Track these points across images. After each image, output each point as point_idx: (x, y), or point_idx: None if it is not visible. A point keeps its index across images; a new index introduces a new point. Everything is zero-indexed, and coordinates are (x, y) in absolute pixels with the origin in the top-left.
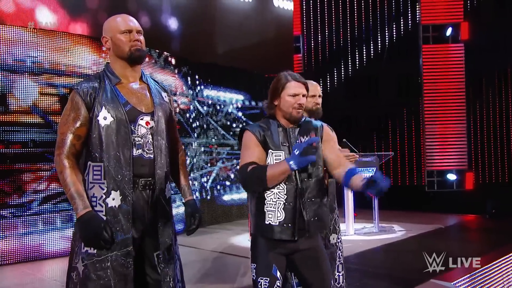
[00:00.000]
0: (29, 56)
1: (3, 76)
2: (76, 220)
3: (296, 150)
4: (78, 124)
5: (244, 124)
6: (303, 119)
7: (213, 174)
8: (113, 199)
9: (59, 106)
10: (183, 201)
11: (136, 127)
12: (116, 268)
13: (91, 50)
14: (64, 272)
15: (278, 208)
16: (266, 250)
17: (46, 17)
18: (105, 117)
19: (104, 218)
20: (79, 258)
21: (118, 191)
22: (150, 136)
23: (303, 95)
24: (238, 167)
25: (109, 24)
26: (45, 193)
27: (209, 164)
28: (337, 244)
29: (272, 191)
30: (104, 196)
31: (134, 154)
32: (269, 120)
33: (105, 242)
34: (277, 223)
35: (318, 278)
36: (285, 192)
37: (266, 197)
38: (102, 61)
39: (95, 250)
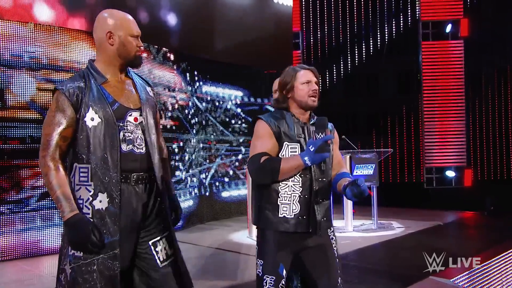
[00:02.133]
0: (27, 51)
1: (1, 72)
2: (64, 223)
3: (311, 146)
4: (64, 125)
5: (243, 121)
6: (314, 119)
7: (212, 171)
8: (100, 201)
9: None
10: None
11: (125, 123)
12: (102, 272)
13: (89, 45)
14: None
15: (293, 200)
16: (275, 247)
17: (44, 12)
18: (92, 118)
19: (91, 220)
20: (67, 260)
21: (106, 193)
22: (139, 131)
23: (316, 82)
24: (237, 163)
25: (120, 22)
26: (43, 189)
27: (208, 161)
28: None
29: (287, 184)
30: (91, 199)
31: (124, 150)
32: (283, 112)
33: (93, 246)
34: (293, 216)
35: (325, 277)
36: (300, 185)
37: (280, 190)
38: None
39: (82, 253)
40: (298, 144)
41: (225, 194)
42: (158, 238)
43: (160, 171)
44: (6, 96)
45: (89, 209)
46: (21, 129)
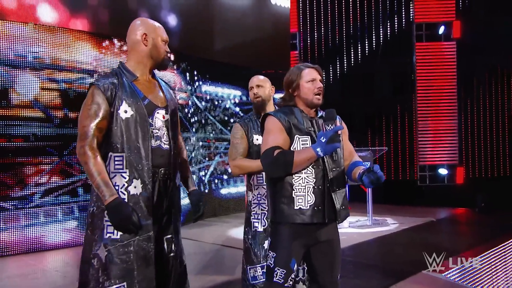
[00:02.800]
0: (30, 52)
1: (5, 71)
2: (105, 207)
3: (322, 137)
4: (100, 117)
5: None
6: (321, 113)
7: (211, 168)
8: (135, 187)
9: (60, 101)
10: (188, 191)
11: (154, 120)
12: (138, 252)
13: (91, 45)
14: (66, 264)
15: (308, 192)
16: (289, 241)
17: (47, 13)
18: (125, 111)
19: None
20: (100, 245)
21: (139, 179)
22: (165, 129)
23: (320, 80)
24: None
25: (154, 27)
26: (46, 186)
27: (207, 158)
28: None
29: (300, 176)
30: (126, 185)
31: (153, 145)
32: (291, 107)
33: (134, 226)
34: (308, 207)
35: (328, 273)
36: (313, 176)
37: (294, 183)
38: (102, 57)
39: (119, 236)
40: (309, 137)
41: (223, 191)
42: (169, 236)
43: (177, 166)
44: (10, 95)
45: (124, 194)
46: (25, 128)
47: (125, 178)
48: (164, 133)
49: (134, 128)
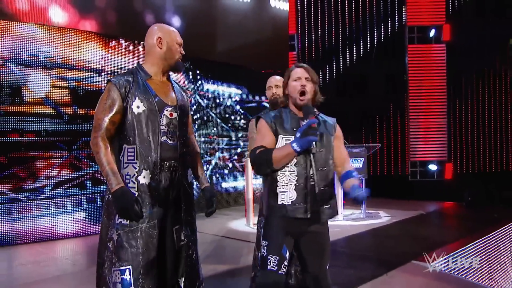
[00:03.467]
0: (42, 51)
1: (19, 70)
2: (111, 194)
3: (297, 133)
4: (113, 112)
5: (242, 117)
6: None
7: (213, 163)
8: (144, 177)
9: (70, 98)
10: (201, 188)
11: (162, 117)
12: (145, 238)
13: (99, 46)
14: (75, 252)
15: (290, 188)
16: (278, 230)
17: (58, 15)
18: (138, 106)
19: (136, 193)
20: (114, 229)
21: (148, 170)
22: (172, 126)
23: (306, 78)
24: (236, 156)
25: (168, 31)
26: (57, 178)
27: (208, 154)
28: None
29: (284, 173)
30: (136, 175)
31: (160, 140)
32: (282, 108)
33: (135, 214)
34: (290, 203)
35: (317, 264)
36: (295, 174)
37: (278, 179)
38: (109, 56)
39: (128, 222)
40: (293, 137)
41: (224, 185)
42: (177, 226)
43: (186, 161)
44: (23, 92)
45: (134, 183)
46: (37, 123)
47: (135, 168)
48: (170, 130)
49: (145, 123)
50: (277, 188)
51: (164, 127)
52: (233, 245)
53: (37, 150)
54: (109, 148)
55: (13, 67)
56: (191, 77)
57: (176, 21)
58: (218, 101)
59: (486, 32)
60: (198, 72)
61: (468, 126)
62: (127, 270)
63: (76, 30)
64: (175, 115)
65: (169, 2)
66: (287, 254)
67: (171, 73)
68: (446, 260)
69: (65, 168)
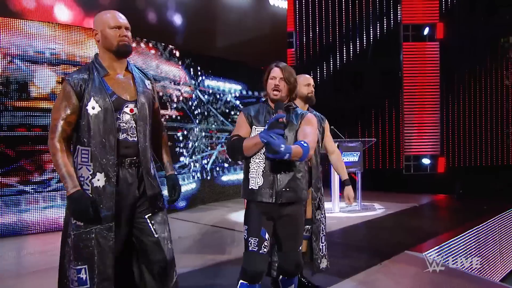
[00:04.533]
0: (48, 48)
1: (25, 66)
2: (67, 197)
3: (266, 125)
4: (69, 112)
5: None
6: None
7: (213, 157)
8: (98, 180)
9: None
10: (166, 175)
11: (121, 114)
12: (99, 240)
13: None
14: None
15: (258, 174)
16: (256, 214)
17: (63, 12)
18: (93, 107)
19: (90, 196)
20: (72, 227)
21: (103, 173)
22: (133, 122)
23: (281, 78)
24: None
25: (100, 18)
26: None
27: (209, 148)
28: (321, 219)
29: (255, 161)
30: (90, 177)
31: (119, 138)
32: (262, 103)
33: (90, 217)
34: (257, 187)
35: (291, 245)
36: (263, 162)
37: (250, 166)
38: None
39: (82, 223)
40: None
41: (224, 178)
42: (150, 214)
43: (148, 156)
44: (30, 88)
45: (88, 186)
46: (43, 118)
47: (89, 171)
48: (131, 126)
49: (100, 124)
50: (249, 174)
51: (124, 124)
52: (232, 236)
53: (43, 144)
54: (66, 150)
55: (20, 64)
56: (192, 73)
57: (178, 18)
58: (218, 96)
59: (478, 31)
60: (199, 68)
61: (460, 122)
62: (83, 269)
63: (80, 28)
64: (135, 110)
65: (171, 0)
66: (266, 235)
67: (168, 69)
68: (438, 250)
69: None
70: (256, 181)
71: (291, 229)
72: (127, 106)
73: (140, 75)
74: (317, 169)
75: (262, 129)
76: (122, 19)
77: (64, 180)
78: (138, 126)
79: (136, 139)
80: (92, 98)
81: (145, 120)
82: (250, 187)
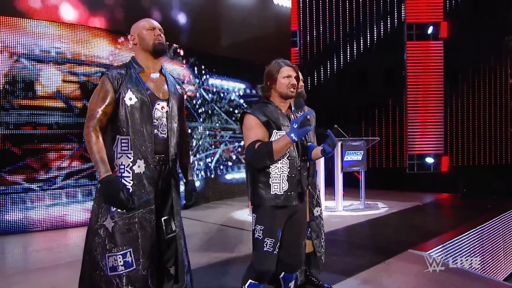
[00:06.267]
0: (53, 47)
1: (31, 65)
2: (99, 181)
3: (294, 124)
4: (106, 103)
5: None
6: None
7: (217, 155)
8: (139, 167)
9: (80, 92)
10: (185, 180)
11: (154, 110)
12: (142, 223)
13: (108, 42)
14: None
15: (282, 179)
16: (274, 215)
17: (68, 12)
18: (130, 98)
19: (132, 182)
20: (107, 216)
21: (143, 159)
22: (164, 119)
23: (295, 77)
24: (239, 149)
25: (136, 25)
26: (68, 169)
27: (213, 146)
28: (320, 216)
29: (276, 166)
30: (131, 164)
31: (153, 132)
32: (266, 103)
33: (120, 202)
34: (282, 192)
35: (296, 239)
36: (288, 166)
37: (270, 171)
38: (118, 52)
39: (125, 210)
40: (284, 132)
41: (228, 176)
42: (166, 217)
43: (175, 154)
44: (36, 87)
45: (129, 172)
46: (49, 117)
47: (130, 158)
48: (162, 123)
49: (138, 114)
50: (270, 180)
51: (155, 120)
52: (236, 233)
53: (49, 142)
54: (100, 137)
55: (26, 63)
56: (196, 71)
57: (182, 17)
58: (222, 95)
59: (482, 29)
60: (203, 67)
61: (464, 121)
62: (128, 253)
63: (85, 27)
64: (166, 108)
65: None
66: (280, 236)
67: (172, 68)
68: (442, 248)
69: (75, 159)
70: (280, 186)
71: (298, 225)
72: (158, 104)
73: (172, 79)
74: (314, 166)
75: (282, 133)
76: (156, 23)
77: (97, 165)
78: (169, 123)
79: (166, 135)
80: (129, 90)
81: (175, 119)
82: (273, 192)
